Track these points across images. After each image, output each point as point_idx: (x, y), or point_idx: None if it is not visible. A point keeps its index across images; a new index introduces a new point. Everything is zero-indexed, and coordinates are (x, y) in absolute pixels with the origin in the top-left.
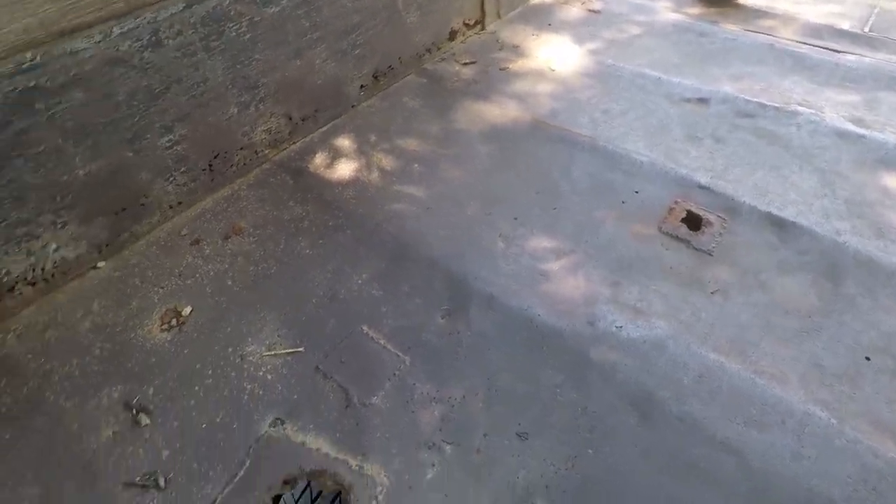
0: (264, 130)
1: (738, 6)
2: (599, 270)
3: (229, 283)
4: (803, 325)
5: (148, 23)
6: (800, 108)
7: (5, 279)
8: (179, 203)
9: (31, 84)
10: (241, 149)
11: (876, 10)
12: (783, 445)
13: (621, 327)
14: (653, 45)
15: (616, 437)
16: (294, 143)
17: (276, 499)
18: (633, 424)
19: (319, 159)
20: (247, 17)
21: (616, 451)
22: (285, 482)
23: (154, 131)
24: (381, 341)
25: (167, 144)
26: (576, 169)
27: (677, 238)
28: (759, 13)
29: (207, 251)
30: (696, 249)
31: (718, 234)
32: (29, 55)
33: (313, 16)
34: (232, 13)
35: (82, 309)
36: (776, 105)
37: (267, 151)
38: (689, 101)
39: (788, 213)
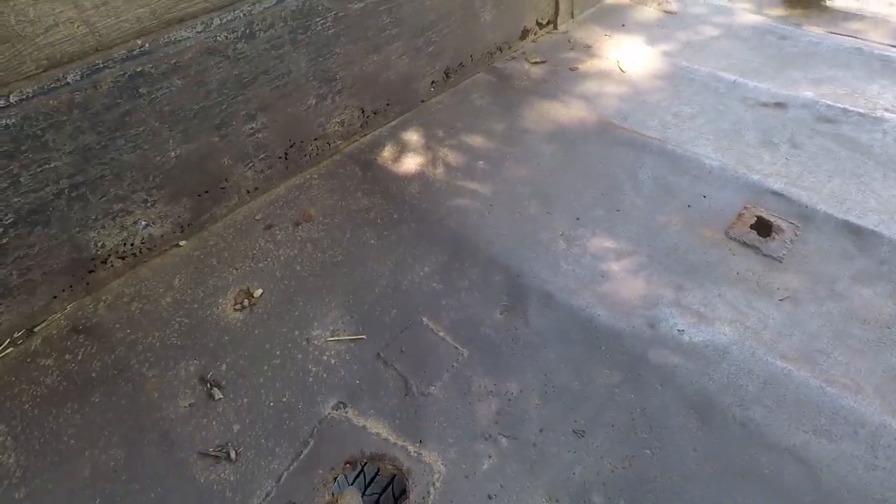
0: (338, 122)
1: (824, 8)
2: (662, 273)
3: (298, 268)
4: (881, 336)
5: (244, 15)
6: (887, 115)
7: (100, 252)
8: (256, 188)
9: (139, 70)
10: (316, 139)
11: None
12: (855, 456)
13: (683, 331)
14: (729, 48)
15: (675, 439)
16: (364, 135)
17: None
18: (693, 428)
19: (388, 152)
20: (333, 12)
21: (674, 453)
22: (347, 463)
23: (239, 119)
24: (441, 333)
25: (250, 132)
26: (642, 172)
27: (745, 244)
28: (846, 15)
29: (279, 236)
30: (765, 256)
31: (790, 241)
32: (140, 42)
33: (394, 12)
34: (320, 8)
35: (164, 284)
36: (860, 111)
37: (339, 143)
38: (765, 105)
39: (868, 222)
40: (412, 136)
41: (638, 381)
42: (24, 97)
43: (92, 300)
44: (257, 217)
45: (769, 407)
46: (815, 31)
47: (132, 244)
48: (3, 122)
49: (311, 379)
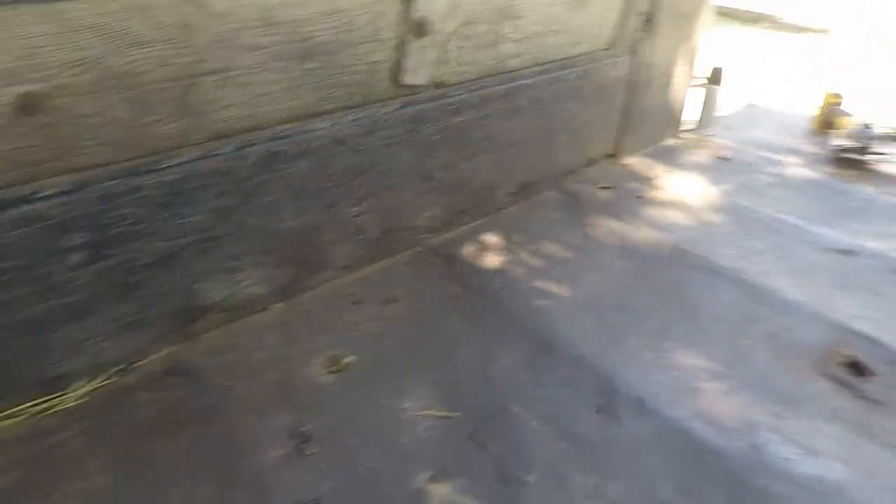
0: (428, 216)
1: (871, 171)
2: (757, 398)
3: (386, 342)
4: None
5: (370, 115)
6: None
7: (207, 302)
8: (348, 266)
9: (278, 149)
10: (406, 229)
11: None
12: None
13: (790, 460)
14: (786, 196)
15: None
16: (448, 231)
17: None
18: None
19: (469, 249)
20: (441, 122)
21: None
22: None
23: (349, 201)
24: (533, 423)
25: (354, 214)
26: (718, 297)
27: (840, 382)
28: (892, 180)
29: (368, 311)
30: (863, 398)
31: (886, 385)
32: (286, 127)
33: (486, 128)
34: (430, 117)
35: (258, 341)
36: None
37: (425, 235)
38: (832, 250)
39: None
40: (491, 238)
41: None
42: (187, 159)
43: (190, 346)
44: (346, 292)
45: None
46: (867, 189)
47: (235, 300)
48: (169, 177)
49: (401, 450)
